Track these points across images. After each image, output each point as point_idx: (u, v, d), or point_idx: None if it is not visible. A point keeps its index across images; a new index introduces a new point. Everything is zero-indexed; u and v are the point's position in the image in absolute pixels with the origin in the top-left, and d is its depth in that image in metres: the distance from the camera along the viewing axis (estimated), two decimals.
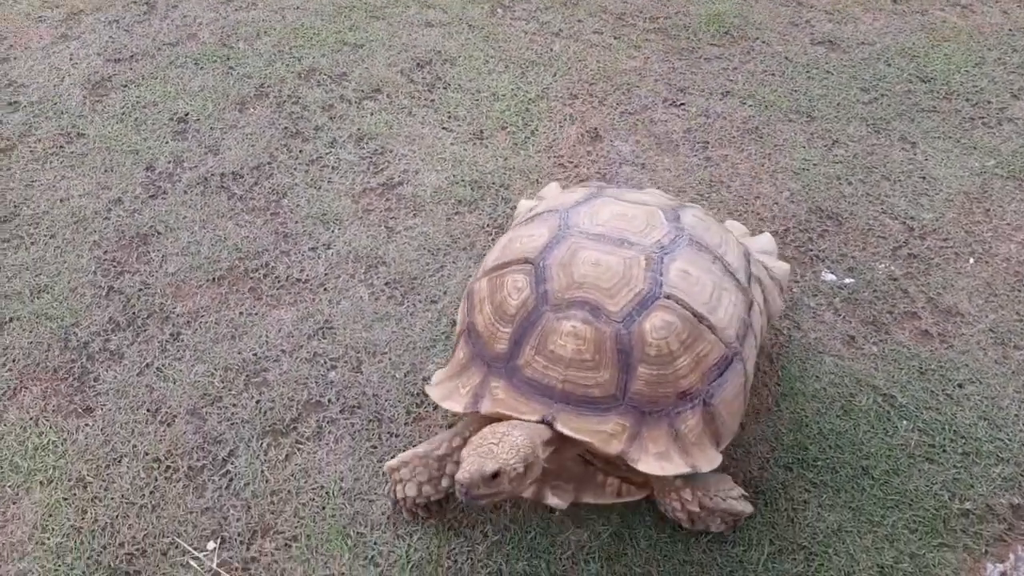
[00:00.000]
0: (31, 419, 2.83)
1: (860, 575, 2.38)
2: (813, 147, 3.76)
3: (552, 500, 2.25)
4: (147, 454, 2.72)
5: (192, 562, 2.48)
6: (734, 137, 3.83)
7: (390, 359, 2.95)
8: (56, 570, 2.47)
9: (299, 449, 2.73)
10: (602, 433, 2.15)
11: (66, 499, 2.62)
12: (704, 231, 2.45)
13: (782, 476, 2.60)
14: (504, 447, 2.05)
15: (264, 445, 2.73)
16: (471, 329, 2.37)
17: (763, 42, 4.38)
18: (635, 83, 4.13)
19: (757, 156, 3.73)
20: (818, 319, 3.04)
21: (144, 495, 2.63)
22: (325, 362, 2.95)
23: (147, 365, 2.97)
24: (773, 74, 4.18)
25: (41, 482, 2.67)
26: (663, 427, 2.18)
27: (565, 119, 3.92)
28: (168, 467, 2.70)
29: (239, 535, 2.53)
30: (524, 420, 2.15)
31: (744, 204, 3.50)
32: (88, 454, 2.73)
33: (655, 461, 2.15)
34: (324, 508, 2.58)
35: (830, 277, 3.20)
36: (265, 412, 2.82)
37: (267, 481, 2.64)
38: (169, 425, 2.80)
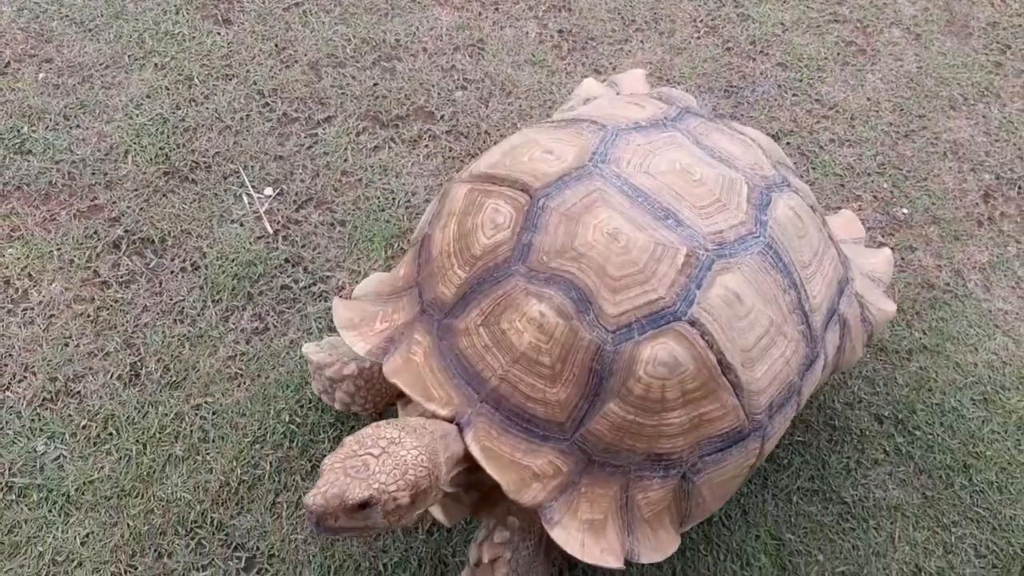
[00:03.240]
0: (173, 7, 2.78)
1: (891, 564, 1.96)
2: None
3: (436, 512, 1.67)
4: (255, 84, 2.63)
5: (245, 197, 2.42)
6: None
7: (520, 105, 2.63)
8: (129, 145, 2.49)
9: (390, 146, 2.53)
10: (523, 469, 1.52)
11: (168, 89, 2.60)
12: (795, 237, 1.70)
13: (866, 424, 2.15)
14: (387, 463, 1.40)
15: (360, 127, 2.56)
16: (425, 244, 1.72)
17: None
18: None
19: None
20: None
21: (235, 119, 2.56)
22: (458, 79, 2.68)
23: (296, 4, 2.82)
24: None
25: (156, 65, 2.65)
26: (612, 487, 1.56)
27: None
28: (267, 104, 2.60)
29: (296, 194, 2.43)
30: (430, 410, 1.56)
31: (984, 138, 2.76)
32: (206, 59, 2.67)
33: (578, 531, 1.52)
34: (383, 211, 2.40)
35: None
36: (378, 97, 2.62)
37: (346, 160, 2.49)
38: (287, 67, 2.67)
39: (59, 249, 2.31)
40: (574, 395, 1.53)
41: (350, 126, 2.56)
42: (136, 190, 2.41)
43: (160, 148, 2.49)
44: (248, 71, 2.65)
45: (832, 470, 2.08)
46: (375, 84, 2.65)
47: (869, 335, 1.96)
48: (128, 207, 2.38)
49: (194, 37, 2.71)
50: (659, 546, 1.60)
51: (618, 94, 2.13)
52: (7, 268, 2.28)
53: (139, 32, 2.71)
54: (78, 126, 2.53)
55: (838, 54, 2.89)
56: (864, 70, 2.86)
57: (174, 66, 2.65)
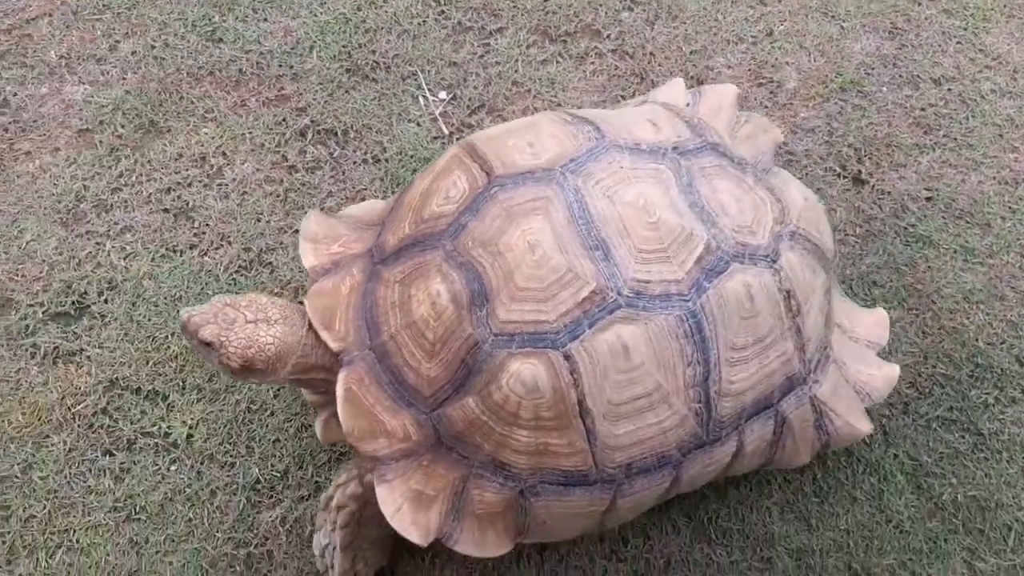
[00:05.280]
0: None
1: (1021, 495, 2.05)
2: None
3: (317, 425, 1.82)
4: None
5: (421, 99, 2.55)
6: None
7: (686, 30, 2.69)
8: (314, 41, 2.64)
9: (558, 61, 2.63)
10: (377, 423, 1.59)
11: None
12: (736, 316, 1.60)
13: (1008, 364, 2.21)
14: (245, 332, 1.61)
15: (530, 40, 2.66)
16: (406, 189, 1.79)
17: None
18: None
19: None
20: None
21: (412, 24, 2.68)
22: (626, 0, 2.75)
23: None
24: None
25: None
26: (453, 473, 1.60)
27: None
28: (442, 12, 2.71)
29: (469, 100, 2.55)
30: (325, 338, 1.64)
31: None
32: None
33: (401, 496, 1.58)
34: None
35: None
36: (548, 12, 2.71)
37: (516, 71, 2.60)
38: None
39: (250, 132, 2.49)
40: (443, 377, 1.56)
41: (521, 38, 2.66)
42: (321, 84, 2.57)
43: (343, 46, 2.63)
44: None
45: (971, 403, 2.16)
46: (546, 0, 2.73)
47: (824, 444, 1.86)
48: (313, 99, 2.54)
49: None
50: (483, 543, 1.63)
51: (689, 104, 2.00)
52: (203, 145, 2.47)
53: None
54: (265, 19, 2.69)
55: (1004, 6, 2.85)
56: None
57: None
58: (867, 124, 2.55)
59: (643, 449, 1.59)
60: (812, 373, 1.75)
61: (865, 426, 1.87)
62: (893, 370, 1.92)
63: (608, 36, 2.68)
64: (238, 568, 1.95)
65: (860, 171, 2.48)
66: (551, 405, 1.52)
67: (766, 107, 2.58)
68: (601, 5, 2.73)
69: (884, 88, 2.62)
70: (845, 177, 2.47)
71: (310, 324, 1.67)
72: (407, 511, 1.58)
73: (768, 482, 2.04)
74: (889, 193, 2.45)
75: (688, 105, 2.00)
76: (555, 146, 1.65)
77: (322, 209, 2.23)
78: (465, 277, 1.55)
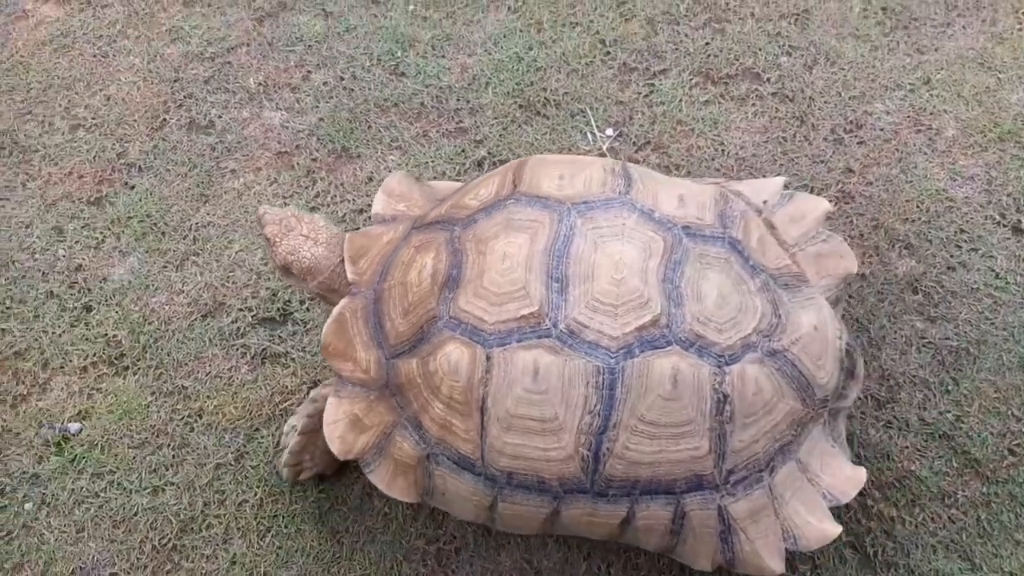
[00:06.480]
0: None
1: None
2: None
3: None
4: (597, 33, 2.91)
5: (589, 135, 2.73)
6: None
7: (844, 76, 2.79)
8: (489, 78, 2.84)
9: (719, 102, 2.77)
10: (352, 348, 1.89)
11: (520, 31, 2.92)
12: (655, 394, 1.67)
13: None
14: (293, 242, 2.00)
15: (693, 81, 2.81)
16: (471, 182, 2.04)
17: None
18: None
19: None
20: None
21: (580, 63, 2.86)
22: (784, 45, 2.87)
23: None
24: None
25: (509, 8, 2.97)
26: (388, 416, 1.85)
27: None
28: (608, 53, 2.88)
29: (635, 137, 2.71)
30: (347, 269, 1.96)
31: None
32: (553, 7, 2.96)
33: (343, 415, 1.87)
34: (714, 160, 2.66)
35: None
36: (709, 55, 2.85)
37: (680, 111, 2.75)
38: (627, 21, 2.94)
39: (432, 161, 2.70)
40: (406, 334, 1.81)
41: (684, 79, 2.81)
42: (496, 118, 2.76)
43: (516, 83, 2.82)
44: (591, 21, 2.94)
45: None
46: (707, 43, 2.87)
47: (729, 562, 1.82)
48: (489, 132, 2.74)
49: None
50: (392, 484, 1.88)
51: (766, 202, 1.99)
52: (391, 171, 2.69)
53: None
54: (444, 56, 2.90)
55: None
56: None
57: (525, 11, 2.97)
58: None
59: (525, 465, 1.73)
60: (728, 485, 1.75)
61: (775, 565, 1.79)
62: (833, 529, 1.81)
63: (768, 79, 2.80)
64: (429, 563, 2.13)
65: (1020, 220, 2.54)
66: (462, 391, 1.72)
67: (925, 153, 2.66)
68: (760, 50, 2.86)
69: None
70: (1005, 225, 2.54)
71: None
72: (341, 426, 1.87)
73: (932, 520, 2.12)
74: None
75: (766, 203, 1.99)
76: (581, 186, 1.82)
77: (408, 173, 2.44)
78: (451, 261, 1.78)
